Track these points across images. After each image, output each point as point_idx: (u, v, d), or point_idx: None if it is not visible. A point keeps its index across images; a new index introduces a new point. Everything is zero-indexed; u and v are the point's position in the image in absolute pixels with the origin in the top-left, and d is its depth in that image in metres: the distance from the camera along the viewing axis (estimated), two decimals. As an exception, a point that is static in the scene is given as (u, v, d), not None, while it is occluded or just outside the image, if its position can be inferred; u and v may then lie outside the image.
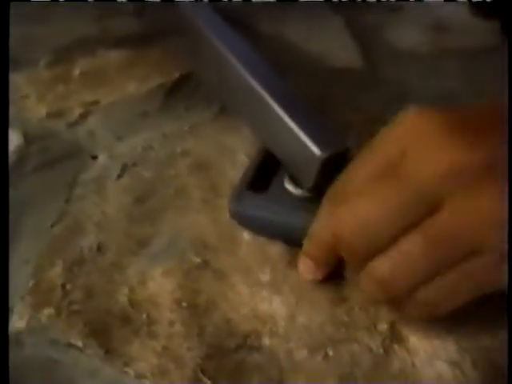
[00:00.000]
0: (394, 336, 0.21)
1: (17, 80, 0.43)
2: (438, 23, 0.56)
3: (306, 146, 0.23)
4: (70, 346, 0.21)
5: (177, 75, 0.42)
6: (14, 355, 0.21)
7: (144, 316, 0.21)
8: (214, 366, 0.20)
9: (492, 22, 0.57)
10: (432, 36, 0.53)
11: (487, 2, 0.56)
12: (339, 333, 0.21)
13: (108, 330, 0.21)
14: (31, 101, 0.39)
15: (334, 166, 0.22)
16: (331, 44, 0.49)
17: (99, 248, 0.25)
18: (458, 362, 0.20)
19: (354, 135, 0.31)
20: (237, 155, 0.31)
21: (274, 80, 0.28)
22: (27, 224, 0.27)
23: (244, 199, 0.25)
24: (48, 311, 0.22)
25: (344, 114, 0.36)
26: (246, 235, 0.25)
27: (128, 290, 0.23)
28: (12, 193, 0.28)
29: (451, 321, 0.21)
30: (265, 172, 0.27)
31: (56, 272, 0.24)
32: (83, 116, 0.37)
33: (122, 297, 0.22)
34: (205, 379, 0.19)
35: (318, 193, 0.23)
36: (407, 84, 0.42)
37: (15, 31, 0.48)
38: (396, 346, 0.21)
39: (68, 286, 0.23)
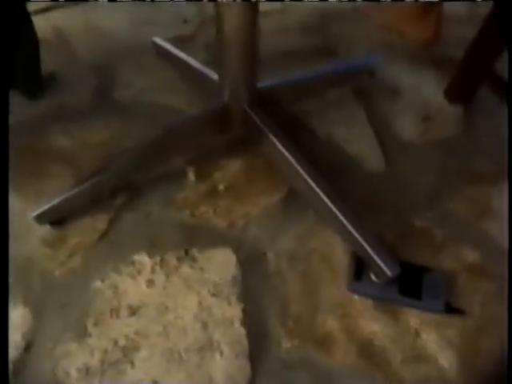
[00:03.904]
0: (417, 334, 0.60)
1: (188, 196, 0.73)
2: (425, 111, 0.89)
3: (380, 266, 0.59)
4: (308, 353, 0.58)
5: (285, 190, 0.74)
6: (286, 362, 0.58)
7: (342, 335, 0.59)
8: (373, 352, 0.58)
9: (457, 106, 0.90)
10: (421, 127, 0.86)
11: (453, 89, 0.88)
12: (403, 337, 0.60)
13: (327, 345, 0.59)
14: (210, 216, 0.71)
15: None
16: (362, 146, 0.82)
17: (298, 315, 0.61)
18: (441, 345, 0.59)
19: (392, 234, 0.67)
20: (338, 250, 0.67)
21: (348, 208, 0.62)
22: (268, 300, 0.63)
23: (352, 285, 0.62)
24: (293, 342, 0.59)
25: (381, 220, 0.71)
26: (356, 297, 0.63)
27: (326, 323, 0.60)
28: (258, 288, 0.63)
29: (437, 327, 0.60)
30: (360, 264, 0.63)
31: (289, 327, 0.60)
32: (246, 225, 0.70)
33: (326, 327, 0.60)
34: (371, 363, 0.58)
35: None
36: (413, 182, 0.76)
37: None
38: (418, 339, 0.59)
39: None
